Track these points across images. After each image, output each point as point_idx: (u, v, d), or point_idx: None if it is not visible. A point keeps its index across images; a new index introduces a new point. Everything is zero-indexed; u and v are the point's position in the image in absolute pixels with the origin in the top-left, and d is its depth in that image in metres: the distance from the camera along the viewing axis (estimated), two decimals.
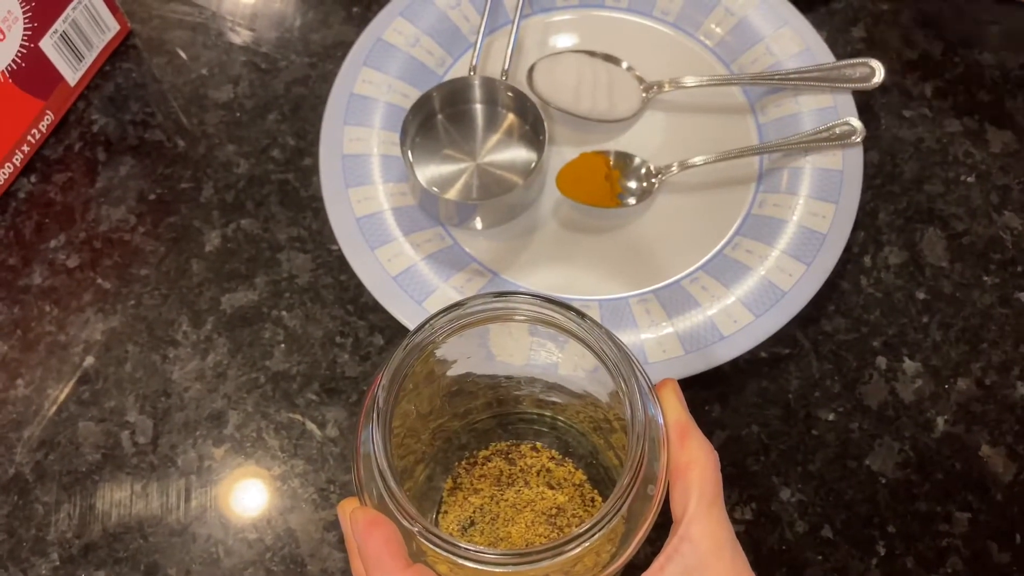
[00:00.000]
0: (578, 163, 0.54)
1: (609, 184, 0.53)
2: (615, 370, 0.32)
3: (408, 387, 0.35)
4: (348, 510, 0.33)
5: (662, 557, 0.32)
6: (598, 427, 0.42)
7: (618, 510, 0.30)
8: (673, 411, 0.33)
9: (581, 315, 0.33)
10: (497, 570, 0.30)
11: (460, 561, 0.30)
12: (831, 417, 0.49)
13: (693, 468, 0.32)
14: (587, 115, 0.56)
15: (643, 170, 0.53)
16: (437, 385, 0.41)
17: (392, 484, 0.30)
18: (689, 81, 0.56)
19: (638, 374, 0.32)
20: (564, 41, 0.59)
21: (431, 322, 0.33)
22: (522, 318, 0.34)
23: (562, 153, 0.55)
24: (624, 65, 0.56)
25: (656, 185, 0.53)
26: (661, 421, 0.33)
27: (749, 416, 0.49)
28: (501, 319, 0.35)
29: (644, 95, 0.56)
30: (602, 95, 0.55)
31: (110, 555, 0.47)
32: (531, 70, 0.56)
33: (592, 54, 0.57)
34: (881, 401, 0.49)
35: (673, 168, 0.53)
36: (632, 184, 0.53)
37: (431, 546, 0.30)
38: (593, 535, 0.30)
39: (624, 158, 0.54)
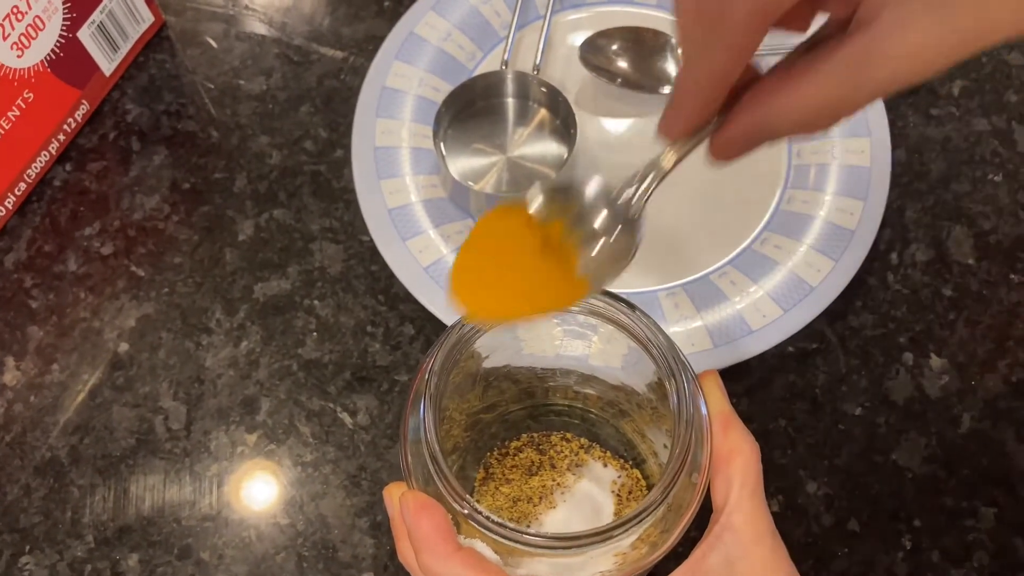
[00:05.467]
0: (479, 247, 0.31)
1: (556, 257, 0.32)
2: (661, 361, 0.32)
3: (455, 379, 0.35)
4: (396, 494, 0.33)
5: (703, 546, 0.32)
6: (630, 418, 0.43)
7: (665, 497, 0.30)
8: (716, 402, 0.34)
9: (631, 306, 0.33)
10: (545, 553, 0.30)
11: (507, 543, 0.31)
12: (858, 412, 0.49)
13: (736, 458, 0.33)
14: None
15: (611, 193, 0.33)
16: (474, 376, 0.41)
17: (444, 467, 0.30)
18: None
19: (686, 365, 0.33)
20: None
21: None
22: (575, 308, 0.34)
23: (592, 151, 0.55)
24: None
25: (650, 191, 0.33)
26: (704, 412, 0.34)
27: (776, 410, 0.50)
28: None
29: None
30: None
31: (144, 538, 0.48)
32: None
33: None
34: (908, 396, 0.50)
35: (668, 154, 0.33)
36: (599, 222, 0.33)
37: (480, 528, 0.30)
38: (641, 521, 0.30)
39: (564, 197, 0.32)
